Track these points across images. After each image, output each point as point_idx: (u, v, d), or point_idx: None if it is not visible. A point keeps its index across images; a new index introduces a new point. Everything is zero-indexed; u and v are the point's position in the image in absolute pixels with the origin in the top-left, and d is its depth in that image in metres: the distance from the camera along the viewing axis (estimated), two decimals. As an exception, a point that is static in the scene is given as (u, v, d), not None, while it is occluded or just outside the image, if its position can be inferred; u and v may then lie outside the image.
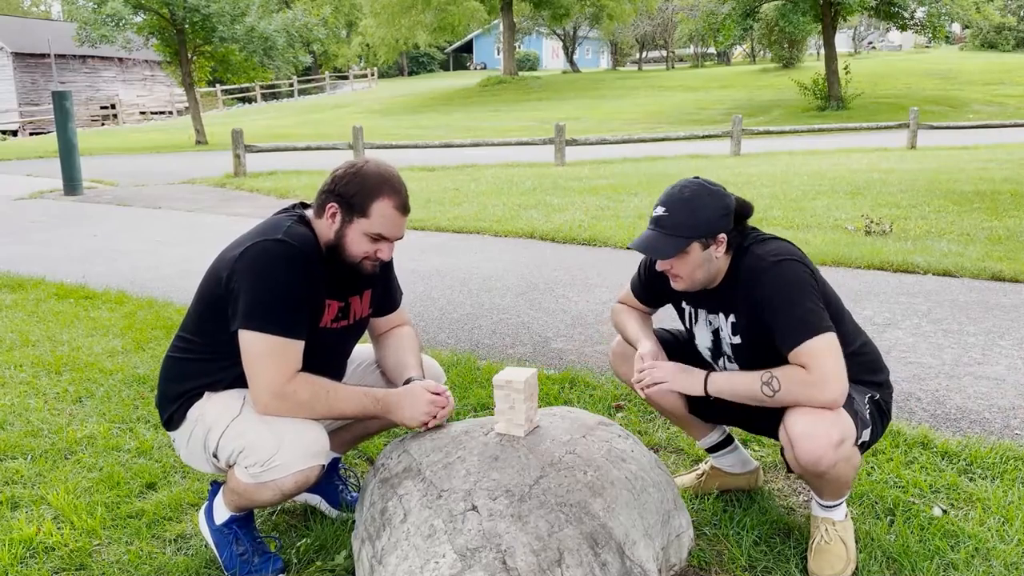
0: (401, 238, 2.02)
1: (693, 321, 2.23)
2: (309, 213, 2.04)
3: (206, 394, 2.01)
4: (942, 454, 2.72)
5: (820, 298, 1.95)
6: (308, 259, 1.92)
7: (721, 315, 2.11)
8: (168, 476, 2.66)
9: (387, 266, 2.24)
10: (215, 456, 1.97)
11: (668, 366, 2.12)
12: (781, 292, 1.93)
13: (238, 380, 1.97)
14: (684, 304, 2.24)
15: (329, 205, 1.96)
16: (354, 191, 1.94)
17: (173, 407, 2.04)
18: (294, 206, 2.09)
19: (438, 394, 2.01)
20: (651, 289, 2.29)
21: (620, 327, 2.37)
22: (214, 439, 1.95)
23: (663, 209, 2.00)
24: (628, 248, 2.04)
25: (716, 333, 2.15)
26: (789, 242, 2.05)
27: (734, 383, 2.02)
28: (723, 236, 2.00)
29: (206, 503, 2.16)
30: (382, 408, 1.99)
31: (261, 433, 1.88)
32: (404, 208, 1.98)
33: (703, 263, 2.02)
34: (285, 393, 1.88)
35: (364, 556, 1.84)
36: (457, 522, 1.70)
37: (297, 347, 1.91)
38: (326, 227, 1.98)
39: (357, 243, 1.97)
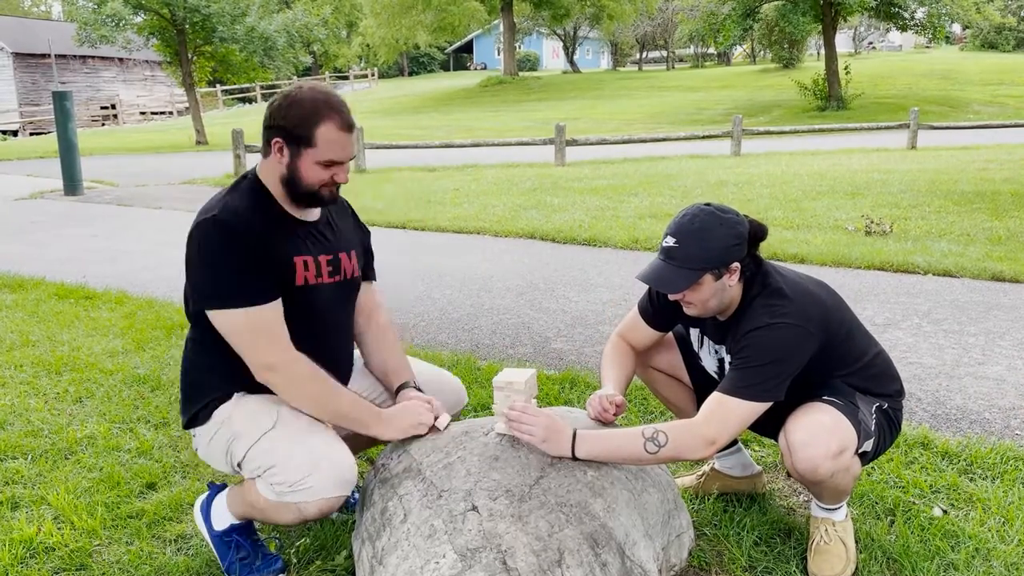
0: (353, 157, 1.96)
1: (699, 346, 2.22)
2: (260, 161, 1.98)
3: (235, 396, 1.95)
4: (942, 454, 2.72)
5: (790, 371, 1.87)
6: (244, 230, 1.85)
7: (724, 348, 2.09)
8: (168, 476, 2.66)
9: (362, 227, 2.23)
10: (239, 466, 1.92)
11: (541, 422, 1.87)
12: (756, 351, 1.87)
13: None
14: (691, 329, 2.23)
15: (274, 141, 1.89)
16: (295, 122, 1.85)
17: (197, 407, 1.99)
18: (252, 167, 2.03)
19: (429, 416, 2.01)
20: (662, 314, 2.23)
21: (602, 368, 2.26)
22: (241, 450, 1.89)
23: (673, 240, 1.92)
24: (637, 279, 1.97)
25: (721, 362, 2.14)
26: (806, 292, 1.96)
27: (608, 445, 1.87)
28: (736, 265, 1.93)
29: (203, 500, 2.13)
30: (373, 421, 1.95)
31: (295, 453, 1.83)
32: (349, 127, 1.89)
33: (716, 292, 1.95)
34: (284, 363, 1.84)
35: (364, 556, 1.84)
36: (457, 522, 1.70)
37: (269, 311, 1.85)
38: (276, 164, 1.92)
39: (311, 172, 1.89)
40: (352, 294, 2.16)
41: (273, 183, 1.95)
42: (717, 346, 2.13)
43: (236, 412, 1.93)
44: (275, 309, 1.87)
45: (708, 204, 1.96)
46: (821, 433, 1.86)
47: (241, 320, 1.83)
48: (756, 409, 1.85)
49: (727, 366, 2.09)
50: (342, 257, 2.07)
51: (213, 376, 1.98)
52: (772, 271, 2.01)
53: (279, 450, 1.84)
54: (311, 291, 1.97)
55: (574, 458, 1.86)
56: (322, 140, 1.86)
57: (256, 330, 1.84)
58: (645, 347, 2.31)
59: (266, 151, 1.93)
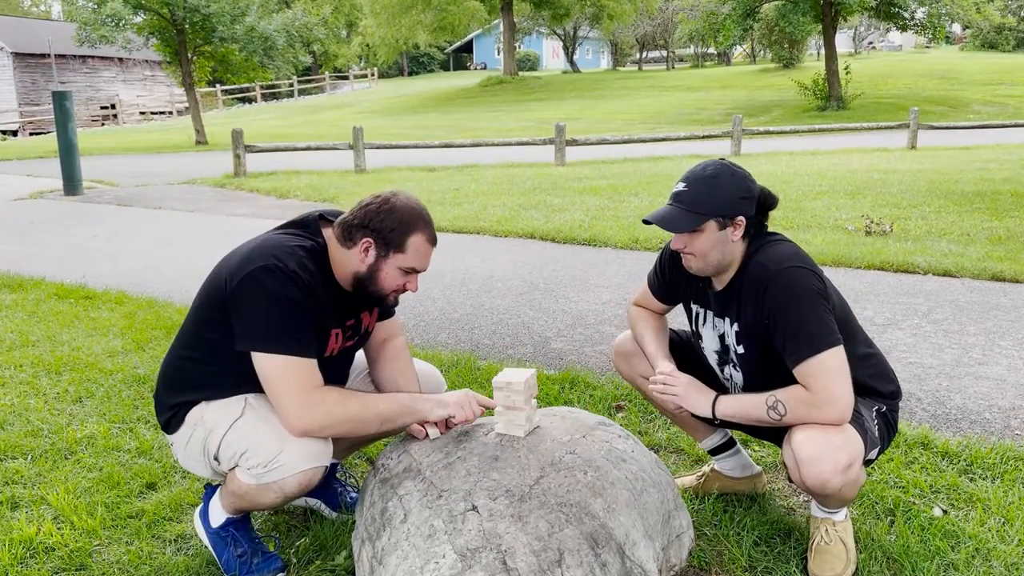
0: (426, 269, 2.04)
1: (701, 323, 2.21)
2: (327, 233, 2.02)
3: (203, 401, 2.01)
4: (942, 454, 2.72)
5: (828, 307, 1.91)
6: (314, 292, 1.92)
7: (727, 320, 2.09)
8: (168, 476, 2.66)
9: None
10: (216, 459, 1.97)
11: (683, 381, 2.10)
12: (785, 302, 1.89)
13: (237, 391, 1.97)
14: (693, 305, 2.23)
15: (363, 240, 1.96)
16: (390, 226, 1.94)
17: (171, 412, 2.05)
18: (311, 219, 2.04)
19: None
20: (667, 283, 2.26)
21: (637, 337, 2.34)
22: (216, 441, 1.94)
23: (683, 184, 1.98)
24: (644, 221, 2.01)
25: (722, 339, 2.14)
26: (795, 244, 2.02)
27: (741, 407, 2.01)
28: (741, 219, 1.97)
29: (201, 505, 2.17)
30: (419, 404, 2.00)
31: (264, 434, 1.89)
32: (434, 240, 2.02)
33: (718, 244, 1.98)
34: (312, 403, 1.87)
35: (364, 556, 1.84)
36: (457, 522, 1.70)
37: (314, 365, 1.90)
38: (357, 260, 1.98)
39: (391, 277, 1.98)
40: (360, 347, 2.23)
41: (342, 271, 2.01)
42: (717, 319, 2.13)
43: (207, 410, 2.00)
44: (316, 365, 1.93)
45: (723, 159, 2.01)
46: (829, 448, 1.84)
47: (284, 366, 1.87)
48: (842, 352, 1.88)
49: (728, 343, 2.11)
50: (363, 316, 2.14)
51: (189, 388, 2.02)
52: (774, 234, 2.04)
53: (249, 434, 1.91)
54: (329, 359, 2.05)
55: (714, 416, 2.04)
56: (411, 248, 1.97)
57: (297, 378, 1.88)
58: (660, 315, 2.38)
59: (348, 244, 1.98)
